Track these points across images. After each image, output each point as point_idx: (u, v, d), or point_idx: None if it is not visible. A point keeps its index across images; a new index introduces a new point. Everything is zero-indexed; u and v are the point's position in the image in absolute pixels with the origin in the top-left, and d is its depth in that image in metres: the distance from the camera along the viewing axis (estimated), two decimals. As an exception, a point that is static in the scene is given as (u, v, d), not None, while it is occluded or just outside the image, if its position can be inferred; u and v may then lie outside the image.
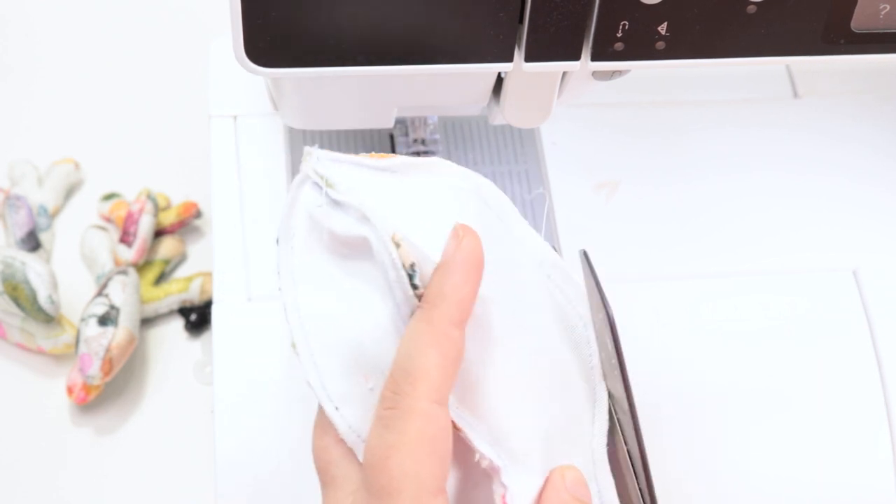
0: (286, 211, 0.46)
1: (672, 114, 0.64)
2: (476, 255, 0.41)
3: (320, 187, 0.44)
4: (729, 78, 0.66)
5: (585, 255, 0.46)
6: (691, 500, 0.54)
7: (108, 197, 0.74)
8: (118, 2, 0.86)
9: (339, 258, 0.45)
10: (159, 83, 0.81)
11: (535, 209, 0.60)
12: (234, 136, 0.62)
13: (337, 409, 0.43)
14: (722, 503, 0.54)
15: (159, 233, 0.72)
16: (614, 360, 0.43)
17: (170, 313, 0.70)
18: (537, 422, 0.43)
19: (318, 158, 0.45)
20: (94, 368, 0.63)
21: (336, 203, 0.44)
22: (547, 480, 0.43)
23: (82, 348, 0.64)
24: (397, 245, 0.41)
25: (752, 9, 0.42)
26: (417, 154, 0.61)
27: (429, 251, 0.42)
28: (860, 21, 0.43)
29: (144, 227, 0.70)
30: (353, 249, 0.44)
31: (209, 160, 0.61)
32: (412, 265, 0.41)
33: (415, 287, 0.41)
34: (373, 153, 0.45)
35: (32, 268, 0.64)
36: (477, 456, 0.42)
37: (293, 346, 0.44)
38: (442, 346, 0.40)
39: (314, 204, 0.45)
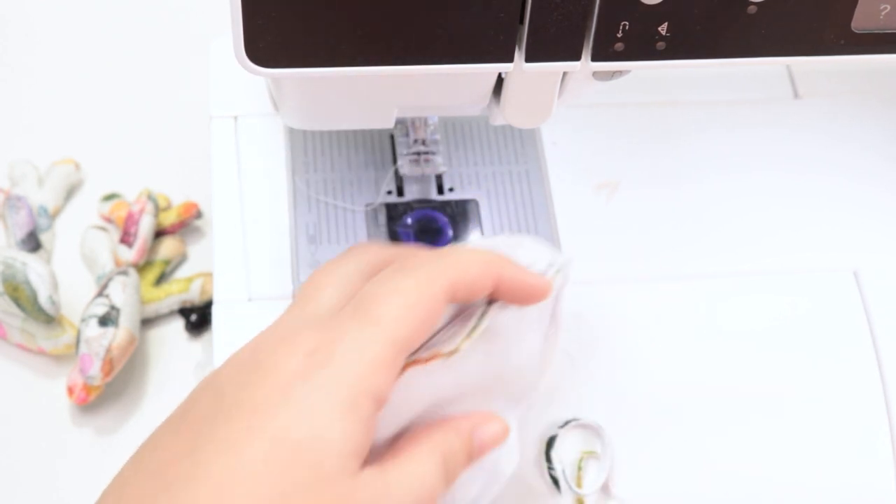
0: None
1: (672, 114, 0.64)
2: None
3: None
4: (729, 78, 0.66)
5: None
6: (690, 500, 0.54)
7: (109, 197, 0.74)
8: (118, 2, 0.86)
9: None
10: (159, 83, 0.81)
11: (536, 210, 0.60)
12: (234, 136, 0.62)
13: None
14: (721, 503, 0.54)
15: (160, 233, 0.72)
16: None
17: (170, 314, 0.70)
18: None
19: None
20: (95, 369, 0.63)
21: None
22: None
23: (83, 349, 0.64)
24: None
25: (752, 9, 0.42)
26: (418, 154, 0.61)
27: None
28: (860, 21, 0.43)
29: (145, 227, 0.70)
30: None
31: (209, 161, 0.61)
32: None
33: None
34: None
35: (33, 268, 0.64)
36: None
37: None
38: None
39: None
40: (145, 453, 0.41)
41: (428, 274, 0.42)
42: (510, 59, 0.43)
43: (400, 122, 0.61)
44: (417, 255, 0.44)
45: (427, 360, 0.43)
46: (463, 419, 0.45)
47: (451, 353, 0.44)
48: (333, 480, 0.38)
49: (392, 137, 0.62)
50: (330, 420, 0.39)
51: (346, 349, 0.40)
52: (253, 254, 0.58)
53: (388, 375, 0.40)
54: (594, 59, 0.43)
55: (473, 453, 0.45)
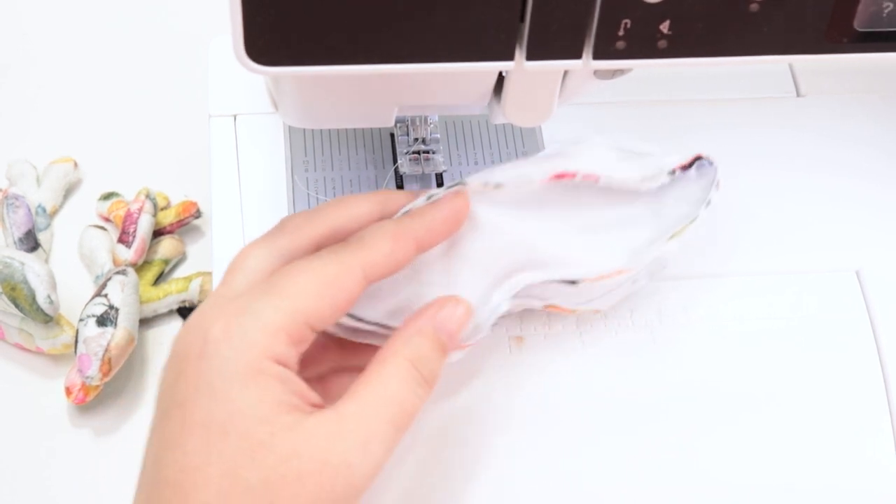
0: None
1: (674, 113, 0.64)
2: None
3: None
4: (731, 77, 0.65)
5: None
6: (691, 501, 0.53)
7: (107, 196, 0.73)
8: (117, 1, 0.85)
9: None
10: (159, 82, 0.80)
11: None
12: (233, 135, 0.62)
13: None
14: (724, 504, 0.54)
15: (158, 232, 0.72)
16: None
17: (169, 313, 0.70)
18: None
19: None
20: (93, 369, 0.63)
21: None
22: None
23: (81, 349, 0.63)
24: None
25: (754, 7, 0.42)
26: (418, 154, 0.60)
27: None
28: (863, 19, 0.43)
29: (143, 226, 0.70)
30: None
31: (209, 159, 0.61)
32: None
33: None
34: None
35: (31, 268, 0.64)
36: None
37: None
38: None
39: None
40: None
41: (340, 257, 0.43)
42: (511, 58, 0.43)
43: (400, 120, 0.61)
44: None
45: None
46: (422, 315, 0.46)
47: None
48: (267, 445, 0.40)
49: (392, 136, 0.62)
50: (237, 393, 0.41)
51: (245, 320, 0.42)
52: (252, 253, 0.58)
53: (287, 340, 0.42)
54: (595, 57, 0.43)
55: (445, 345, 0.46)
